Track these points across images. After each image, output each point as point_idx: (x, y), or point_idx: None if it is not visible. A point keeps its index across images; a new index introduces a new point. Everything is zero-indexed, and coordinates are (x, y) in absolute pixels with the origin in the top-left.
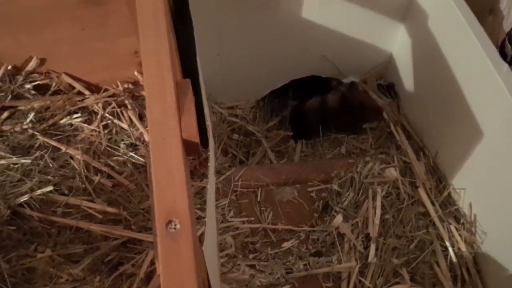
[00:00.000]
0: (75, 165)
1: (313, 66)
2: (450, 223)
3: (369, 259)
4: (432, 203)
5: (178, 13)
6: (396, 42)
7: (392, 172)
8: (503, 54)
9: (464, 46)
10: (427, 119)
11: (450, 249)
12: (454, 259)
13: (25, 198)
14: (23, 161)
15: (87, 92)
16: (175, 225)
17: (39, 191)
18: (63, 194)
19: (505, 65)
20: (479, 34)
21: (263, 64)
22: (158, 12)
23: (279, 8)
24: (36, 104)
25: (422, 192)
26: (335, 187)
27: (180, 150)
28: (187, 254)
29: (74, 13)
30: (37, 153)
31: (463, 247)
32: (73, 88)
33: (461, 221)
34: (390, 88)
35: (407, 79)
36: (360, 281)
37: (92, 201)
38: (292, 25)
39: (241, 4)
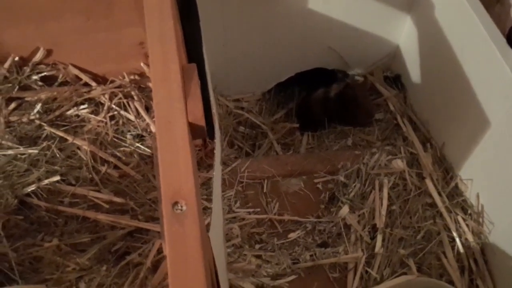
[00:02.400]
0: (82, 156)
1: (319, 58)
2: (457, 214)
3: (376, 250)
4: (439, 194)
5: (184, 2)
6: (403, 33)
7: (399, 163)
8: (510, 42)
9: (471, 36)
10: (433, 110)
11: (457, 239)
12: (461, 249)
13: (32, 188)
14: (30, 151)
15: (93, 84)
16: (181, 206)
17: (46, 181)
18: (70, 184)
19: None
20: (486, 23)
21: (269, 56)
22: (164, 5)
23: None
24: (43, 95)
25: (429, 183)
26: (342, 178)
27: (186, 133)
28: (193, 235)
29: (79, 3)
30: (44, 144)
31: (470, 237)
32: (80, 79)
33: (469, 211)
34: (397, 80)
35: (413, 71)
36: (366, 271)
37: (99, 191)
38: (297, 16)
39: None
